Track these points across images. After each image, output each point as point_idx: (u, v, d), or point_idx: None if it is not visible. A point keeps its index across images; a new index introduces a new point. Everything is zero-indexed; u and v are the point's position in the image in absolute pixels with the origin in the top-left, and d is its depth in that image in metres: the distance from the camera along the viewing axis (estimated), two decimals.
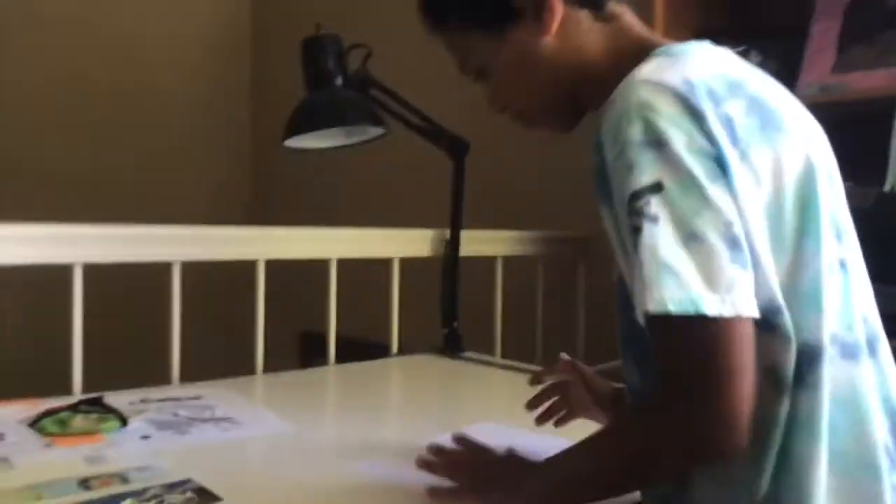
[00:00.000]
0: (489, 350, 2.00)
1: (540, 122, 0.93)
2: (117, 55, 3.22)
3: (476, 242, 1.98)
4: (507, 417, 1.16)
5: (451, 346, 1.88)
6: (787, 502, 0.71)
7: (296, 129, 1.59)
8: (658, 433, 0.70)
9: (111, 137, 3.21)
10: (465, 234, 1.92)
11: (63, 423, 1.16)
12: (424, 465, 0.91)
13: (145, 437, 1.13)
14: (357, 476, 1.00)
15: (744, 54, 1.79)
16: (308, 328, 2.37)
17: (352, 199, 3.14)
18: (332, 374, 1.77)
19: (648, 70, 0.74)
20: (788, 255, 0.72)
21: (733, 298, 0.65)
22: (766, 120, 0.75)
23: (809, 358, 0.71)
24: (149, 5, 3.29)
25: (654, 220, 0.67)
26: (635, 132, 0.69)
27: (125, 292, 2.74)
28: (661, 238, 0.66)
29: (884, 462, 0.73)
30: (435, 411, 1.41)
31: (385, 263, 1.89)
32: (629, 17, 0.88)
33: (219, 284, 2.52)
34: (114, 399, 1.28)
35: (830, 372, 0.72)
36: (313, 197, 3.34)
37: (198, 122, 3.45)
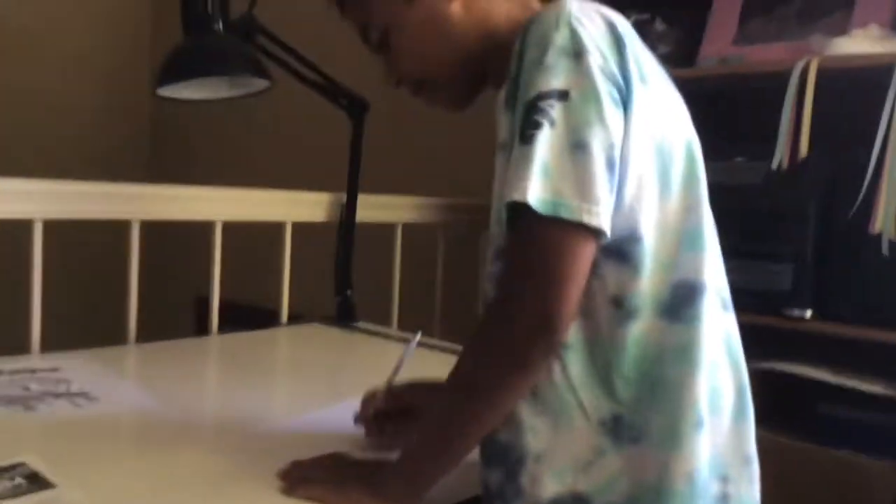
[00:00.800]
0: (385, 322, 1.95)
1: (440, 94, 0.92)
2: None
3: (374, 208, 1.91)
4: None
5: (344, 316, 1.82)
6: (653, 426, 0.73)
7: (168, 76, 1.46)
8: (485, 341, 0.74)
9: (9, 91, 2.99)
10: (362, 199, 1.85)
11: None
12: (282, 478, 0.86)
13: None
14: (220, 458, 0.94)
15: (648, 22, 1.78)
16: (202, 293, 2.28)
17: (244, 159, 3.03)
18: (214, 343, 1.68)
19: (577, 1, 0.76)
20: (675, 195, 0.76)
21: (599, 210, 0.69)
22: (667, 79, 0.82)
23: (687, 294, 0.75)
24: None
25: (553, 123, 0.70)
26: (561, 38, 0.72)
27: None
28: (552, 140, 0.69)
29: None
30: (319, 385, 1.35)
31: (276, 227, 1.81)
32: None
33: (106, 247, 2.38)
34: None
35: (710, 312, 0.76)
36: (208, 156, 3.21)
37: (97, 75, 3.26)
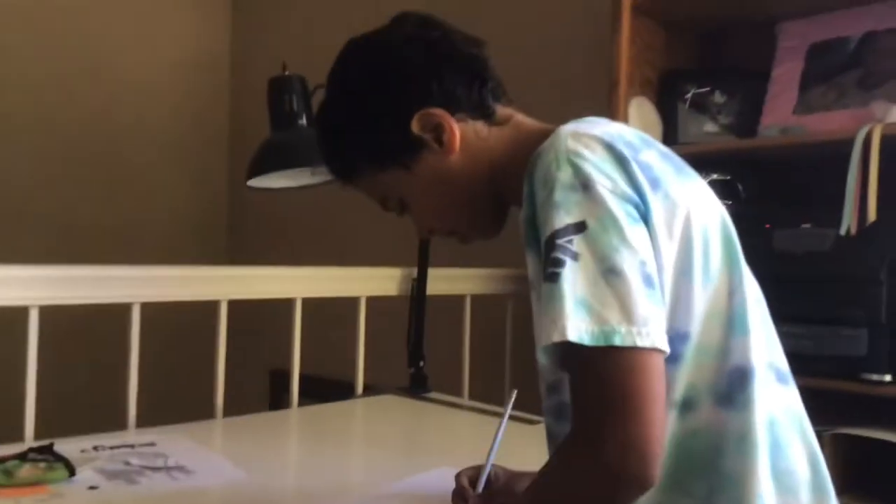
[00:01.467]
0: (456, 391, 1.98)
1: (471, 233, 0.96)
2: (97, 92, 3.21)
3: (444, 280, 1.97)
4: (471, 461, 1.14)
5: (417, 387, 1.86)
6: None
7: (259, 168, 1.58)
8: (573, 469, 0.71)
9: (89, 174, 3.19)
10: (432, 272, 1.91)
11: (9, 473, 1.13)
12: None
13: (93, 488, 1.11)
14: None
15: (708, 94, 1.83)
16: (278, 366, 2.35)
17: (321, 239, 3.13)
18: (294, 416, 1.74)
19: (572, 126, 0.79)
20: (716, 282, 0.77)
21: (649, 330, 0.68)
22: (679, 167, 0.82)
23: (739, 379, 0.75)
24: (129, 42, 3.29)
25: (576, 256, 0.70)
26: (564, 175, 0.73)
27: (84, 334, 2.71)
28: (581, 273, 0.69)
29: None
30: (397, 455, 1.39)
31: (352, 302, 1.88)
32: (520, 116, 0.92)
33: (184, 325, 2.49)
34: (66, 446, 1.25)
35: (766, 393, 0.76)
36: (286, 237, 3.33)
37: (177, 160, 3.45)
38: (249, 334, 3.06)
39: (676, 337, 0.74)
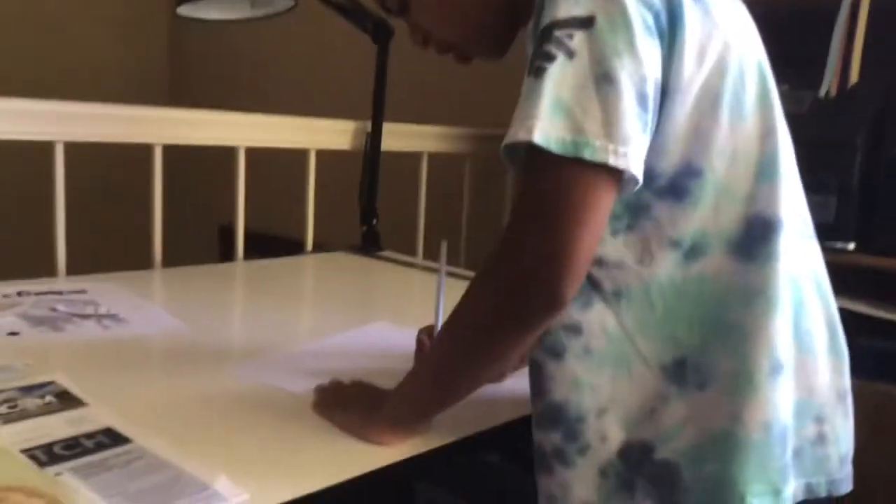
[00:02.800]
0: (410, 252, 1.93)
1: (473, 48, 0.84)
2: None
3: (399, 136, 1.87)
4: (421, 318, 1.08)
5: (369, 245, 1.80)
6: (722, 371, 0.68)
7: None
8: (487, 282, 0.67)
9: (18, 26, 2.94)
10: (387, 127, 1.80)
11: None
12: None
13: (13, 334, 1.03)
14: (248, 379, 0.93)
15: None
16: (226, 222, 2.27)
17: (267, 85, 2.97)
18: (239, 269, 1.67)
19: None
20: (749, 121, 0.69)
21: (627, 151, 0.61)
22: None
23: (762, 230, 0.69)
24: None
25: (570, 53, 0.62)
26: None
27: (8, 173, 2.57)
28: (570, 72, 0.62)
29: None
30: (345, 310, 1.33)
31: (300, 156, 1.77)
32: None
33: (124, 174, 2.36)
34: None
35: (792, 249, 0.70)
36: (229, 81, 3.16)
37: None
38: (197, 188, 2.95)
39: (686, 172, 0.67)
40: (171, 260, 1.59)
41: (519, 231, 0.64)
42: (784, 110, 0.76)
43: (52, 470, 0.66)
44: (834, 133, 1.31)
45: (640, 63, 0.62)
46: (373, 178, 1.80)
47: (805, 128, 1.34)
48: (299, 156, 1.77)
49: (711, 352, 0.68)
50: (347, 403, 0.83)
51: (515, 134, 0.62)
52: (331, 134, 1.81)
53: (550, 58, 0.62)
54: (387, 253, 1.80)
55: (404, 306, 1.44)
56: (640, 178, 0.64)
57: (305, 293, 1.56)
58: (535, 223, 0.63)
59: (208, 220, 3.03)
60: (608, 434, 0.70)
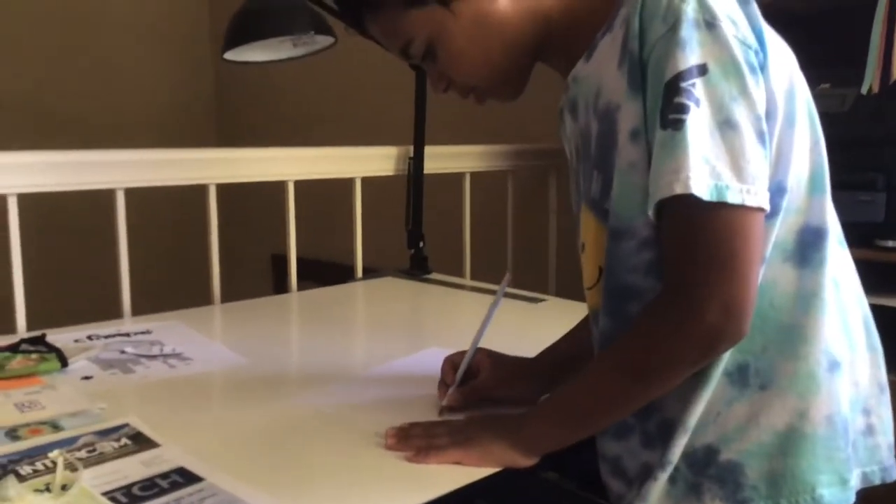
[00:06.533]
0: (457, 272, 1.95)
1: (494, 91, 0.86)
2: None
3: (441, 158, 1.90)
4: (470, 340, 1.10)
5: (417, 268, 1.82)
6: (783, 372, 0.71)
7: (233, 40, 1.45)
8: (670, 329, 0.69)
9: (65, 61, 3.05)
10: (429, 150, 1.83)
11: (0, 366, 1.10)
12: (394, 447, 0.83)
13: (87, 378, 1.08)
14: (310, 410, 0.96)
15: None
16: (279, 251, 2.33)
17: (312, 118, 3.03)
18: (293, 300, 1.71)
19: None
20: (801, 136, 0.73)
21: (757, 189, 0.66)
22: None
23: (813, 238, 0.73)
24: None
25: (698, 102, 0.66)
26: (690, 9, 0.67)
27: (71, 222, 2.66)
28: (699, 122, 0.66)
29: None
30: (397, 336, 1.36)
31: (347, 184, 1.81)
32: None
33: (178, 212, 2.44)
34: (59, 337, 1.22)
35: (833, 254, 0.74)
36: (275, 118, 3.23)
37: (162, 44, 3.29)
38: (249, 220, 3.02)
39: (777, 191, 0.70)
40: (228, 288, 1.64)
41: (697, 279, 0.67)
42: (826, 109, 0.76)
43: None
44: (879, 129, 1.29)
45: (754, 103, 0.66)
46: (417, 202, 1.83)
47: (849, 126, 1.33)
48: (346, 183, 1.81)
49: (772, 355, 0.71)
50: (466, 436, 0.82)
51: (671, 188, 0.65)
52: (374, 161, 1.85)
53: (683, 109, 0.65)
54: (434, 275, 1.82)
55: (454, 330, 1.45)
56: (769, 209, 0.68)
57: (357, 320, 1.59)
58: (711, 269, 0.67)
59: (262, 248, 3.10)
60: (678, 443, 0.72)
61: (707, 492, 0.72)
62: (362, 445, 0.84)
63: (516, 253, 2.12)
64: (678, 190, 0.65)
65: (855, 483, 0.73)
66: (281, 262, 1.79)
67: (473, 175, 2.01)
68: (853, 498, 0.73)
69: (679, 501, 0.73)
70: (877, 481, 0.76)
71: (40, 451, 0.81)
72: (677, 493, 0.73)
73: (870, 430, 0.76)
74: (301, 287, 1.75)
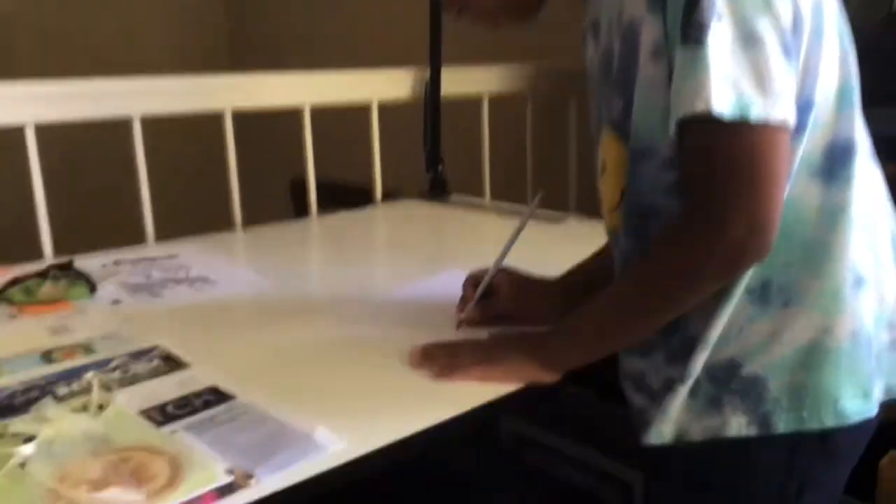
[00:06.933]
0: (478, 192, 1.94)
1: (510, 16, 0.84)
2: None
3: (459, 80, 1.86)
4: (491, 262, 1.11)
5: (437, 191, 1.82)
6: (807, 288, 0.71)
7: None
8: (694, 244, 0.69)
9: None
10: (446, 72, 1.80)
11: (30, 292, 1.12)
12: (418, 365, 0.85)
13: (115, 303, 1.10)
14: (334, 331, 0.97)
15: None
16: (298, 175, 2.33)
17: (324, 40, 2.98)
18: (313, 225, 1.72)
19: None
20: (830, 48, 0.71)
21: (782, 105, 0.65)
22: None
23: (841, 153, 0.72)
24: None
25: (720, 17, 0.64)
26: None
27: (91, 151, 2.66)
28: (721, 38, 0.64)
29: None
30: (416, 260, 1.36)
31: (364, 108, 1.79)
32: None
33: (196, 139, 2.43)
34: (86, 262, 1.24)
35: (863, 170, 0.73)
36: (289, 41, 3.17)
37: None
38: (267, 145, 3.01)
39: (805, 106, 0.69)
40: (249, 216, 1.64)
41: (722, 194, 0.67)
42: (856, 24, 0.74)
43: (167, 429, 0.71)
44: None
45: (779, 16, 0.65)
46: (435, 124, 1.81)
47: (879, 42, 1.28)
48: (363, 107, 1.79)
49: (796, 271, 0.71)
50: (491, 354, 0.83)
51: (692, 106, 0.64)
52: (391, 84, 1.82)
53: (706, 25, 0.64)
54: (455, 197, 1.82)
55: (475, 251, 1.46)
56: (794, 125, 0.66)
57: (378, 244, 1.60)
58: (738, 185, 0.66)
59: (282, 174, 3.09)
60: (699, 358, 0.73)
61: (728, 405, 0.73)
62: (386, 365, 0.86)
63: (536, 175, 2.11)
64: (699, 108, 0.64)
65: (878, 396, 0.74)
66: (300, 187, 1.78)
67: (492, 101, 1.98)
68: (875, 410, 0.73)
69: (700, 414, 0.74)
70: None
71: (75, 374, 0.84)
72: (698, 406, 0.74)
73: (893, 345, 0.76)
74: (321, 212, 1.75)
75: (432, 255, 1.44)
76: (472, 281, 0.97)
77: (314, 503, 0.65)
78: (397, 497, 1.27)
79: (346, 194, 1.97)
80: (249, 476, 0.64)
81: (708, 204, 0.68)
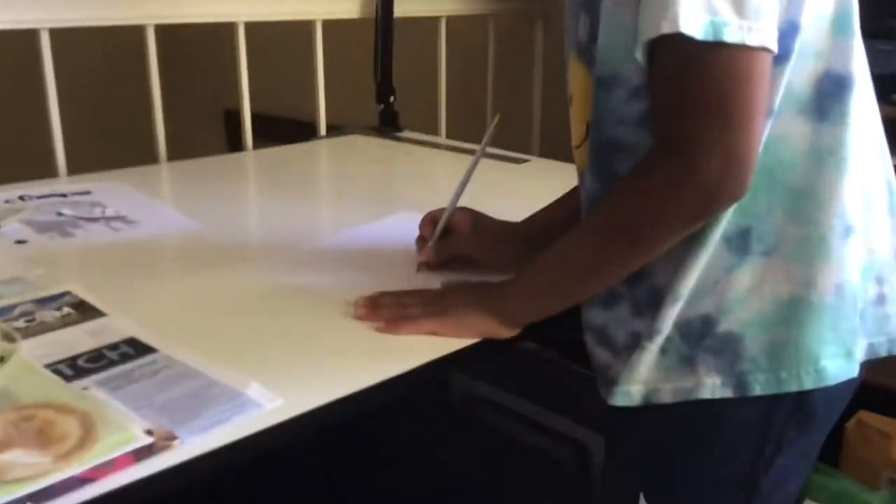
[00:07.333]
0: (432, 130, 1.91)
1: None
2: None
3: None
4: (444, 204, 1.09)
5: (387, 125, 1.79)
6: (790, 237, 0.70)
7: None
8: (661, 183, 0.67)
9: None
10: None
11: None
12: (364, 316, 0.83)
13: (21, 242, 1.06)
14: (271, 278, 0.95)
15: None
16: (232, 105, 2.28)
17: None
18: (250, 159, 1.68)
19: None
20: None
21: (760, 27, 0.62)
22: None
23: (835, 88, 0.70)
24: None
25: None
26: None
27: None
28: None
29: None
30: (363, 201, 1.34)
31: (306, 28, 1.74)
32: None
33: (118, 57, 2.33)
34: None
35: (859, 107, 0.71)
36: None
37: None
38: (198, 70, 2.92)
39: (789, 29, 0.66)
40: (176, 150, 1.60)
41: (694, 128, 0.65)
42: None
43: (78, 384, 0.69)
44: None
45: None
46: (386, 50, 1.77)
47: None
48: (305, 27, 1.74)
49: (778, 218, 0.70)
50: (443, 306, 0.82)
51: (657, 27, 0.62)
52: (337, 1, 1.77)
53: None
54: (407, 133, 1.79)
55: (428, 192, 1.44)
56: (776, 49, 0.64)
57: (322, 182, 1.57)
58: (711, 117, 0.64)
59: (214, 103, 3.01)
60: (669, 312, 0.72)
61: (701, 363, 0.72)
62: (328, 316, 0.84)
63: (497, 108, 2.08)
64: (666, 29, 0.61)
65: (860, 355, 0.74)
66: (234, 117, 1.74)
67: (450, 22, 1.94)
68: (857, 371, 0.73)
69: (671, 373, 0.73)
70: (883, 353, 0.76)
71: None
72: (669, 364, 0.73)
73: (881, 300, 0.76)
74: (258, 145, 1.71)
75: (381, 195, 1.42)
76: (431, 219, 0.96)
77: (248, 467, 0.64)
78: (339, 458, 1.27)
79: (285, 128, 1.93)
80: (172, 437, 0.62)
81: (677, 137, 0.66)
